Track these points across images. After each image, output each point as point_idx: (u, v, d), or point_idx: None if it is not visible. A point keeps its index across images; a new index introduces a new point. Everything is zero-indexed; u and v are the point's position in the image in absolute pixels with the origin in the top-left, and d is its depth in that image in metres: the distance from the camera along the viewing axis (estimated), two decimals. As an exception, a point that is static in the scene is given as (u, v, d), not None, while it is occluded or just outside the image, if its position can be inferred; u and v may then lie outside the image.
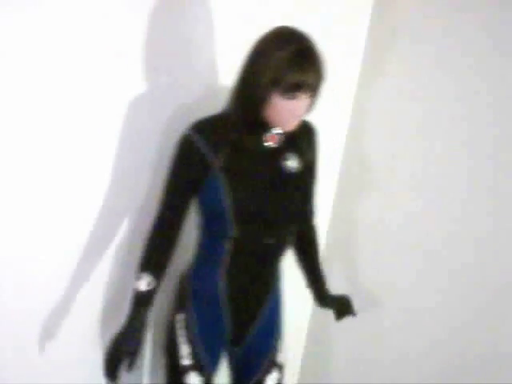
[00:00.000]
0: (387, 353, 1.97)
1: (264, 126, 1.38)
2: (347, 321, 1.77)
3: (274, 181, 1.43)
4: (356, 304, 1.75)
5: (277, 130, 1.39)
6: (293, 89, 1.27)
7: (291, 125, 1.36)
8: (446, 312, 1.77)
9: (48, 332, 1.59)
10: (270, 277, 1.54)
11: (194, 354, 1.48)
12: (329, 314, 1.76)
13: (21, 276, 1.50)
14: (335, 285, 1.72)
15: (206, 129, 1.39)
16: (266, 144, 1.41)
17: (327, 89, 1.92)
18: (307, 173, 1.52)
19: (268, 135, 1.40)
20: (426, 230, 1.83)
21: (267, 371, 1.58)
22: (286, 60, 1.25)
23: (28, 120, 1.38)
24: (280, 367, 1.61)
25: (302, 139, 1.49)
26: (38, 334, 1.57)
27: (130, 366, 1.41)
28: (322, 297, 1.72)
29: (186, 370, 1.48)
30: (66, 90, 1.41)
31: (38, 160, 1.43)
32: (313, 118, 1.73)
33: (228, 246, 1.43)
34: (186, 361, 1.48)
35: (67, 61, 1.38)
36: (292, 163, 1.44)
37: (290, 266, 1.73)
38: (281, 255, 1.52)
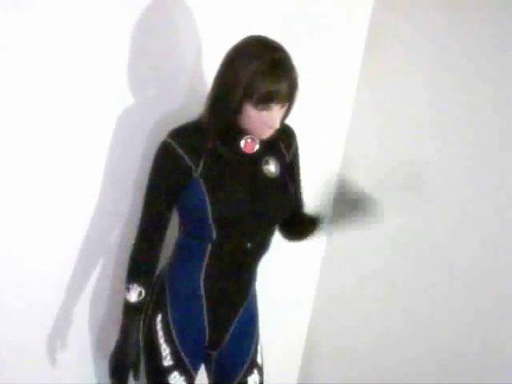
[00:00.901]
0: (387, 353, 1.97)
1: (240, 133, 1.38)
2: (347, 321, 1.77)
3: (253, 186, 1.43)
4: (356, 304, 1.75)
5: (252, 137, 1.39)
6: (265, 100, 1.26)
7: (266, 134, 1.36)
8: (448, 313, 1.77)
9: (48, 334, 1.60)
10: (248, 280, 1.54)
11: (175, 354, 1.48)
12: (329, 316, 1.74)
13: (19, 278, 1.50)
14: (335, 284, 1.72)
15: (185, 136, 1.39)
16: (242, 151, 1.41)
17: (327, 89, 1.95)
18: (287, 176, 1.52)
19: (244, 141, 1.40)
20: (426, 230, 1.83)
21: (248, 371, 1.58)
22: (258, 71, 1.24)
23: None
24: (260, 368, 1.61)
25: (281, 143, 1.49)
26: (37, 335, 1.58)
27: (136, 374, 1.44)
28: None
29: (167, 370, 1.47)
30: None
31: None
32: (313, 118, 1.74)
33: (208, 249, 1.44)
34: (167, 361, 1.48)
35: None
36: (271, 167, 1.45)
37: (289, 266, 1.74)
38: (259, 259, 1.53)
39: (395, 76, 1.92)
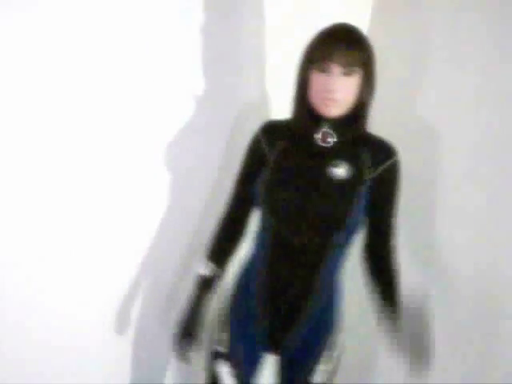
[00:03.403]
0: (387, 353, 1.97)
1: (317, 126, 1.39)
2: (347, 321, 1.77)
3: (314, 182, 1.42)
4: (357, 303, 1.75)
5: (326, 129, 1.39)
6: (322, 58, 1.29)
7: (327, 104, 1.34)
8: (448, 314, 1.77)
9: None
10: (312, 281, 1.47)
11: (228, 343, 1.51)
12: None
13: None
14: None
15: (271, 124, 1.49)
16: (316, 143, 1.41)
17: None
18: (360, 188, 1.42)
19: (321, 132, 1.40)
20: (428, 233, 1.83)
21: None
22: (318, 39, 1.33)
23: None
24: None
25: (368, 154, 1.43)
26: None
27: (195, 342, 1.49)
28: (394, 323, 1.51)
29: (218, 356, 1.51)
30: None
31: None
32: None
33: (268, 239, 1.45)
34: (220, 348, 1.52)
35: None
36: (340, 171, 1.41)
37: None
38: (325, 259, 1.45)
39: (395, 76, 1.92)
